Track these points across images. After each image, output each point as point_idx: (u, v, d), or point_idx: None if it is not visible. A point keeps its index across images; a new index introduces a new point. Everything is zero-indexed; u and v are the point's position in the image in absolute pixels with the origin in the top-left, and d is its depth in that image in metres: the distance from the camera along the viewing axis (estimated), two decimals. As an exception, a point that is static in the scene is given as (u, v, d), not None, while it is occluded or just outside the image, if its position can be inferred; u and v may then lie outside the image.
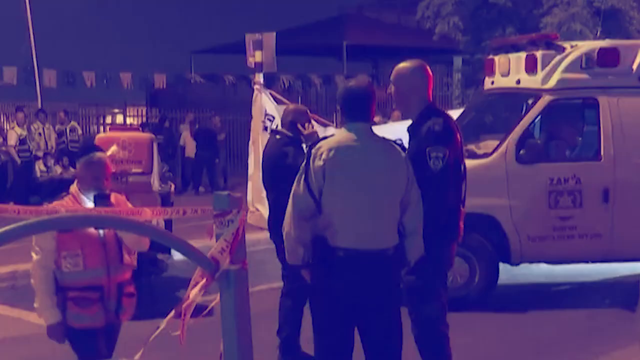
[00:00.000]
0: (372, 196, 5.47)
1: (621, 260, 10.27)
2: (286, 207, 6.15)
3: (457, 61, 26.31)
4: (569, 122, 10.89)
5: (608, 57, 10.32)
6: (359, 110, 5.61)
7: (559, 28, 19.94)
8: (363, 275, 5.43)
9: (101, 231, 5.66)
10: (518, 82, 10.77)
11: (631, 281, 7.96)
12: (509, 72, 10.95)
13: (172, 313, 4.34)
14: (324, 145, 5.51)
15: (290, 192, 5.89)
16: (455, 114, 13.19)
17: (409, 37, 28.96)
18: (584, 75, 10.34)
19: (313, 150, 5.52)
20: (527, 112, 10.33)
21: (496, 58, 11.31)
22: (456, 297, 9.77)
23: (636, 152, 10.23)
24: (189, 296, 4.37)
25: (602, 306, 10.07)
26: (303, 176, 5.53)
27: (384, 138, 5.76)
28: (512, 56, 10.94)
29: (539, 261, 10.62)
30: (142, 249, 5.98)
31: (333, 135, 6.03)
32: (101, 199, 5.75)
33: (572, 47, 10.60)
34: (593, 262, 10.57)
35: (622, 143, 10.23)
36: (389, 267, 5.54)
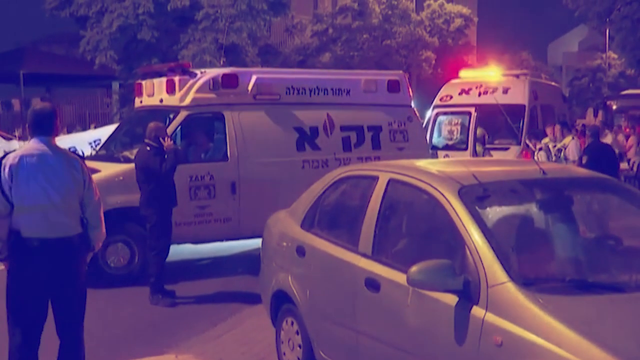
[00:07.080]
0: (54, 193, 5.04)
1: (247, 238, 10.10)
2: (154, 194, 8.36)
3: (115, 85, 25.50)
4: (203, 132, 10.51)
5: (229, 81, 10.13)
6: (41, 127, 5.22)
7: (193, 59, 19.92)
8: (53, 258, 5.00)
9: None
10: (161, 101, 10.28)
11: (255, 253, 7.81)
12: (154, 93, 10.43)
13: None
14: (11, 156, 5.13)
15: (155, 187, 8.15)
16: (113, 127, 12.58)
17: (75, 67, 27.50)
18: (212, 95, 10.05)
19: (3, 161, 5.04)
20: (169, 124, 9.79)
21: (144, 82, 10.73)
22: (121, 275, 9.29)
23: (255, 153, 10.10)
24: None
25: (235, 274, 9.90)
26: None
27: (62, 149, 5.39)
28: (156, 81, 10.42)
29: (186, 242, 10.13)
30: None
31: (19, 147, 5.60)
32: None
33: (202, 73, 10.28)
34: (227, 240, 10.37)
35: (244, 147, 10.07)
36: (75, 251, 5.17)
